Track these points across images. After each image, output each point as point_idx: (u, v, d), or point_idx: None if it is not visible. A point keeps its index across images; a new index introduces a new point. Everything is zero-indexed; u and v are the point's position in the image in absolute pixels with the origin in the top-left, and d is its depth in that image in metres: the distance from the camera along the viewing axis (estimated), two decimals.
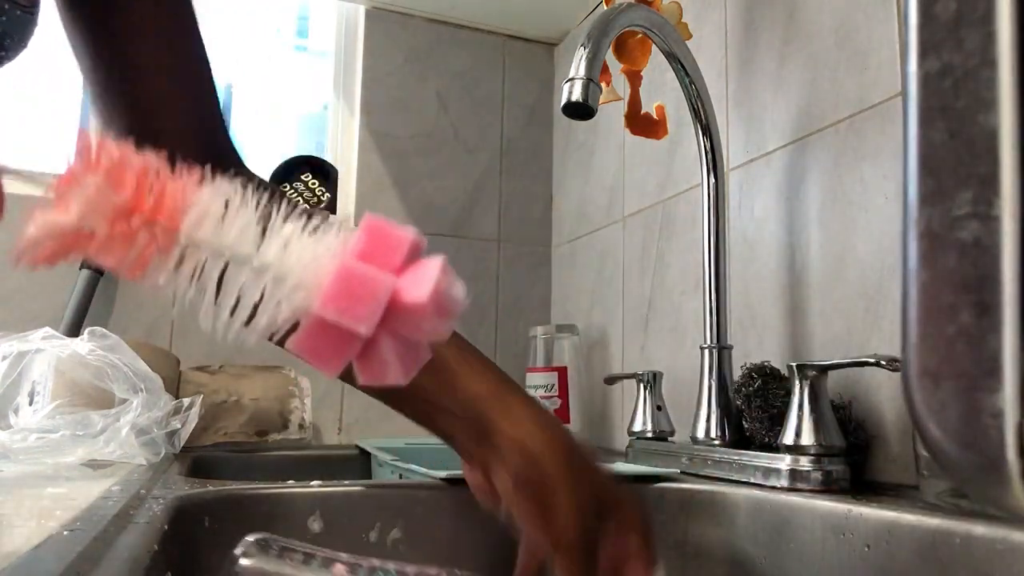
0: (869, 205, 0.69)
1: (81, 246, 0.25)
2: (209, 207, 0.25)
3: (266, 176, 1.27)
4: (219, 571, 0.37)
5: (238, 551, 0.37)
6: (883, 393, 0.65)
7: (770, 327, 0.81)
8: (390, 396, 0.52)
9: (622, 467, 0.72)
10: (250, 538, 0.37)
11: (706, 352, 0.75)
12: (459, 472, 0.55)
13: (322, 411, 1.21)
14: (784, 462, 0.61)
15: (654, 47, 0.79)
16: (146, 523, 0.43)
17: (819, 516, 0.54)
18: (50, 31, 0.52)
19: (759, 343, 0.82)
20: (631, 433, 0.86)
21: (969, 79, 0.16)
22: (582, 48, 0.65)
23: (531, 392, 1.10)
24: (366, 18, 1.33)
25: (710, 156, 0.78)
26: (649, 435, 0.84)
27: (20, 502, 0.48)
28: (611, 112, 1.15)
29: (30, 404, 0.81)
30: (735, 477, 0.66)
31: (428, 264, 0.25)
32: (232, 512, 0.55)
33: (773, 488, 0.61)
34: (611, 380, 0.95)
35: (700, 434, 0.74)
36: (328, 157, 1.33)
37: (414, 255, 0.26)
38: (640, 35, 0.81)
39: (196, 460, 0.86)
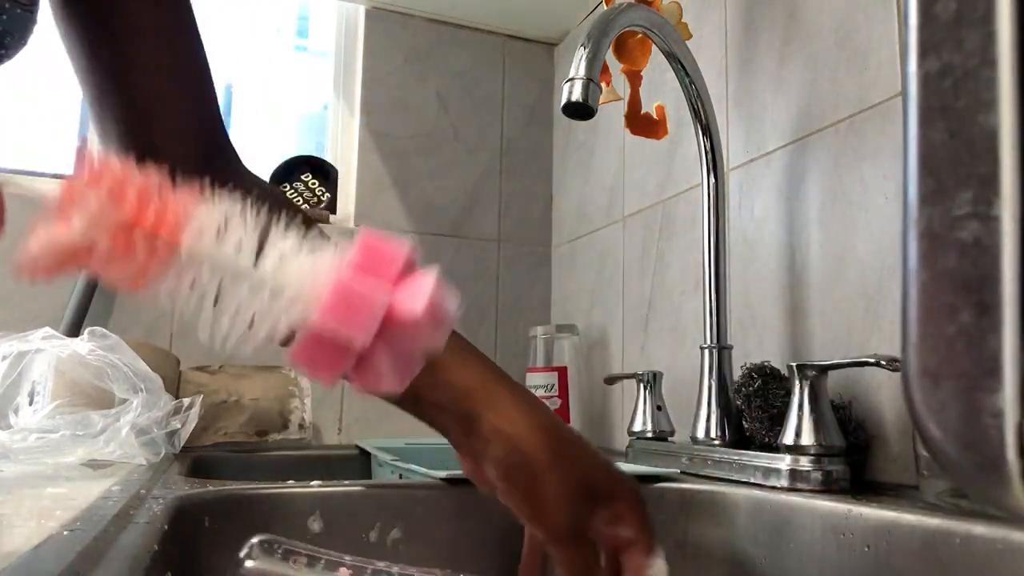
0: (869, 205, 0.69)
1: (82, 260, 0.25)
2: (209, 222, 0.26)
3: (266, 176, 1.27)
4: (220, 571, 0.37)
5: (242, 553, 0.37)
6: (883, 393, 0.66)
7: (770, 327, 0.81)
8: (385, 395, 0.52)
9: (622, 467, 0.72)
10: (254, 540, 0.37)
11: (706, 352, 0.75)
12: (459, 472, 0.55)
13: (322, 411, 1.21)
14: (784, 462, 0.61)
15: (654, 47, 0.79)
16: (146, 523, 0.43)
17: (819, 516, 0.54)
18: (50, 31, 0.52)
19: (759, 343, 0.82)
20: (631, 433, 0.86)
21: (969, 79, 0.16)
22: (582, 48, 0.65)
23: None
24: (366, 18, 1.33)
25: (710, 156, 0.78)
26: (649, 435, 0.84)
27: (20, 502, 0.48)
28: (611, 112, 1.15)
29: (30, 404, 0.81)
30: (735, 477, 0.66)
31: (423, 277, 0.26)
32: (232, 512, 0.55)
33: (773, 488, 0.61)
34: (611, 380, 0.95)
35: (700, 434, 0.74)
36: (328, 157, 1.33)
37: (409, 268, 0.26)
38: (640, 35, 0.81)
39: (196, 460, 0.86)
